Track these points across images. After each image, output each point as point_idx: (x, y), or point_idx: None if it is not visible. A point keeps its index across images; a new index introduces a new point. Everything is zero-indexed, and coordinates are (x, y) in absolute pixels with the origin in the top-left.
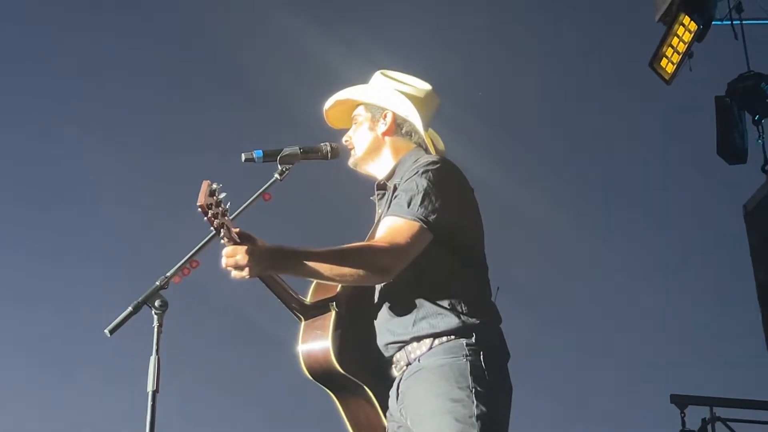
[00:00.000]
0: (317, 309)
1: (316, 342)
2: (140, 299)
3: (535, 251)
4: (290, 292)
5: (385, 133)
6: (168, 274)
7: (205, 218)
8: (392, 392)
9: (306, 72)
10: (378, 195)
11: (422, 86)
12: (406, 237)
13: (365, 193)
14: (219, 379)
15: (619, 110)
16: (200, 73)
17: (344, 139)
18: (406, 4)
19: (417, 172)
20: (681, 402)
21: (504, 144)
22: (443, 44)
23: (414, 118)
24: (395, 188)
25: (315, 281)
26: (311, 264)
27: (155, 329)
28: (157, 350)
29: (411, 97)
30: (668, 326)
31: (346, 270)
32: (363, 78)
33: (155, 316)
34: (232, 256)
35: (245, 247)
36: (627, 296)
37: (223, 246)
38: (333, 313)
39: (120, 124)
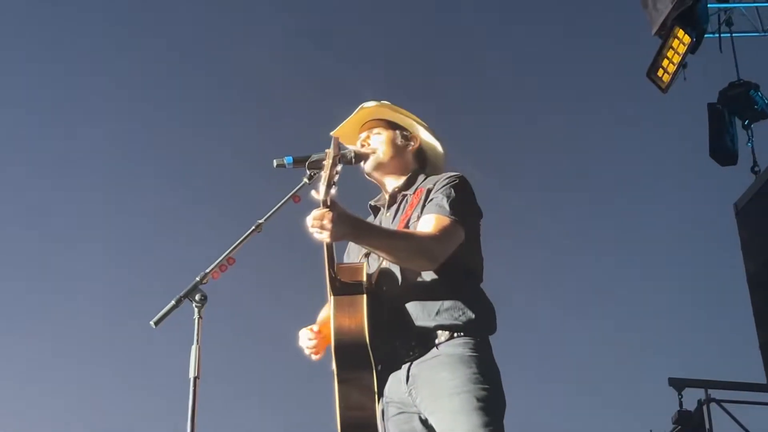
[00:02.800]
0: (350, 288)
1: (352, 316)
2: (182, 293)
3: (537, 239)
4: (335, 265)
5: (410, 152)
6: (207, 270)
7: (327, 170)
8: (398, 376)
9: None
10: (388, 201)
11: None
12: (452, 233)
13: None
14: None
15: (618, 117)
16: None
17: (362, 139)
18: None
19: (451, 181)
20: (678, 384)
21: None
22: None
23: (440, 155)
24: (428, 192)
25: (340, 265)
26: (381, 238)
27: (196, 321)
28: (197, 340)
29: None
30: (666, 315)
31: (405, 251)
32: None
33: (195, 309)
34: (320, 219)
35: (332, 213)
36: (629, 287)
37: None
38: (365, 296)
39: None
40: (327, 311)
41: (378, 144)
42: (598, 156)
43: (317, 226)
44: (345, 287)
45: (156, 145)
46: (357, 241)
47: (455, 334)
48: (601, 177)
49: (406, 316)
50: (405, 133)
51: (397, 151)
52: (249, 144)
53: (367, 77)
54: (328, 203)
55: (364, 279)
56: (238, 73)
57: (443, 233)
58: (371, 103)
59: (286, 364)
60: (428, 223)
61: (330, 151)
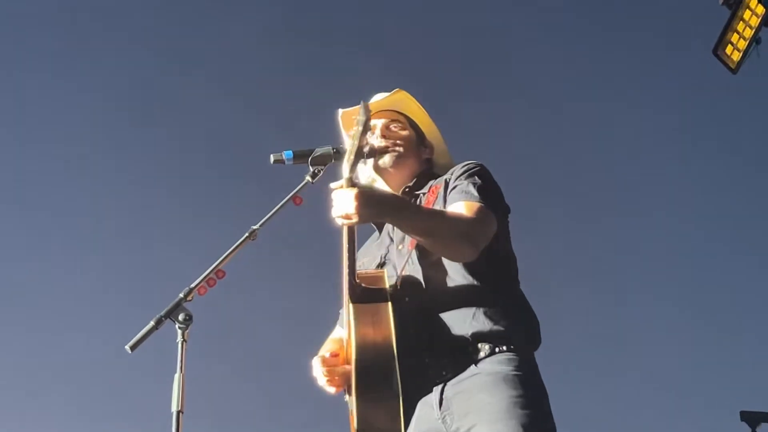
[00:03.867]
0: (373, 295)
1: (376, 326)
2: (162, 313)
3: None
4: (355, 265)
5: (424, 156)
6: (192, 285)
7: (356, 139)
8: (428, 401)
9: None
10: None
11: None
12: (487, 219)
13: None
14: (246, 395)
15: (678, 101)
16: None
17: (383, 130)
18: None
19: (472, 168)
20: (752, 419)
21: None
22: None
23: (450, 164)
24: (447, 183)
25: (358, 273)
26: (419, 217)
27: (179, 345)
28: (181, 367)
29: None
30: (739, 343)
31: (447, 232)
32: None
33: (179, 331)
34: (344, 200)
35: (355, 190)
36: (696, 311)
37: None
38: (390, 305)
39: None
40: (339, 335)
41: (401, 139)
42: (656, 149)
43: (342, 208)
44: (366, 294)
45: (125, 137)
46: (390, 220)
47: (497, 348)
48: (661, 175)
49: (437, 328)
50: (425, 140)
51: (415, 153)
52: (240, 137)
53: (370, 65)
54: (353, 181)
55: (387, 286)
56: (225, 58)
57: (479, 216)
58: (396, 92)
59: (287, 397)
60: (458, 210)
61: (361, 118)
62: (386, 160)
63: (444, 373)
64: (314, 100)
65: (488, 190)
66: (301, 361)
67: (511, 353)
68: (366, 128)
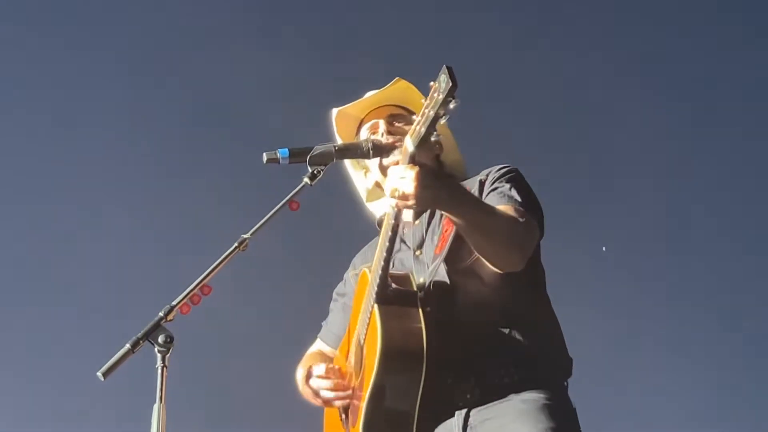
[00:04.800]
0: (403, 299)
1: (405, 323)
2: (140, 334)
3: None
4: (390, 262)
5: (433, 152)
6: (174, 302)
7: (434, 107)
8: (448, 426)
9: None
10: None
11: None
12: (535, 232)
13: None
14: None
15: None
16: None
17: (387, 125)
18: None
19: (510, 172)
20: None
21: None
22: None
23: (459, 156)
24: (482, 184)
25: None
26: (479, 210)
27: (159, 371)
28: (161, 397)
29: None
30: None
31: (504, 233)
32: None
33: (158, 355)
34: (401, 178)
35: (417, 169)
36: None
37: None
38: (421, 311)
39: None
40: (319, 350)
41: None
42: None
43: (400, 188)
44: (396, 296)
45: (105, 140)
46: (450, 209)
47: (531, 374)
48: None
49: (464, 345)
50: (436, 137)
51: (424, 150)
52: (230, 136)
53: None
54: (415, 159)
55: (416, 290)
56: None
57: (529, 224)
58: (396, 82)
59: (280, 429)
60: (512, 212)
61: (443, 84)
62: (391, 160)
63: (469, 396)
64: (314, 95)
65: (531, 199)
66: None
67: (545, 381)
68: (450, 94)
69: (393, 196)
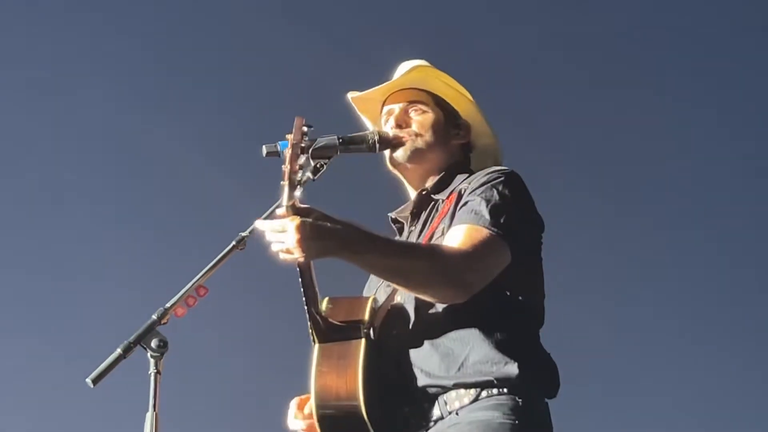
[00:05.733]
0: (343, 332)
1: (342, 373)
2: (132, 338)
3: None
4: (317, 299)
5: (457, 144)
6: (168, 305)
7: (287, 162)
8: None
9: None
10: (413, 209)
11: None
12: (491, 251)
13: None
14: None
15: None
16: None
17: (396, 116)
18: None
19: (494, 179)
20: None
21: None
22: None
23: (497, 150)
24: (460, 194)
25: (337, 300)
26: (382, 253)
27: (152, 377)
28: (154, 405)
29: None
30: None
31: (420, 273)
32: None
33: (151, 360)
34: (280, 231)
35: (298, 221)
36: None
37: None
38: (363, 342)
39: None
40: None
41: (419, 126)
42: None
43: (278, 241)
44: (334, 331)
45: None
46: (347, 258)
47: (482, 393)
48: None
49: (419, 372)
50: (458, 120)
51: (442, 140)
52: (226, 124)
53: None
54: (295, 208)
55: (366, 317)
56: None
57: (478, 250)
58: (415, 63)
59: None
60: (456, 236)
61: (291, 136)
62: (400, 154)
63: (424, 423)
64: (320, 82)
65: (507, 211)
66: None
67: (505, 396)
68: (296, 150)
69: (275, 251)
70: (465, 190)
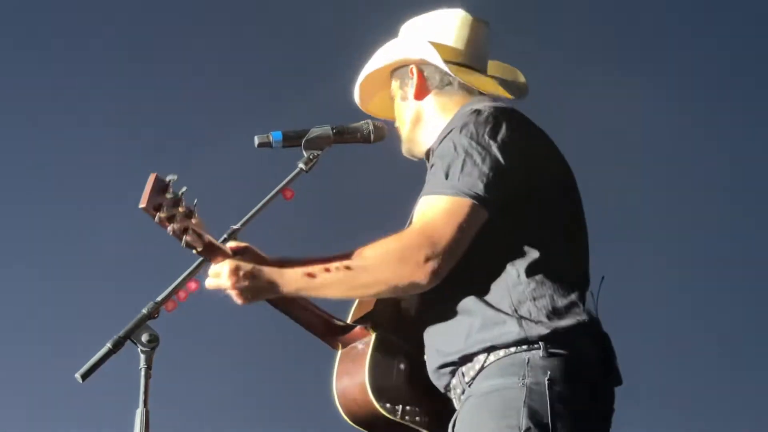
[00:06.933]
0: (353, 332)
1: (352, 377)
2: (121, 333)
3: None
4: (318, 312)
5: (417, 95)
6: (158, 298)
7: (156, 221)
8: None
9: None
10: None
11: (452, 18)
12: (451, 221)
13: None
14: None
15: None
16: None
17: (396, 125)
18: None
19: (454, 129)
20: None
21: None
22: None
23: (428, 55)
24: (430, 153)
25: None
26: (318, 280)
27: (142, 373)
28: (144, 401)
29: (438, 44)
30: None
31: (370, 280)
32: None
33: (142, 356)
34: (216, 276)
35: (230, 264)
36: None
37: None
38: (372, 337)
39: None
40: None
41: (397, 119)
42: None
43: (213, 286)
44: (347, 331)
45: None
46: (288, 294)
47: (489, 358)
48: None
49: (431, 350)
50: (405, 78)
51: (412, 113)
52: (216, 112)
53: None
54: (226, 252)
55: (373, 308)
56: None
57: (435, 228)
58: (362, 73)
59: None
60: (416, 213)
61: (144, 194)
62: (403, 149)
63: (457, 395)
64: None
65: (470, 159)
66: (294, 395)
67: (506, 358)
68: (150, 207)
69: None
70: (434, 149)
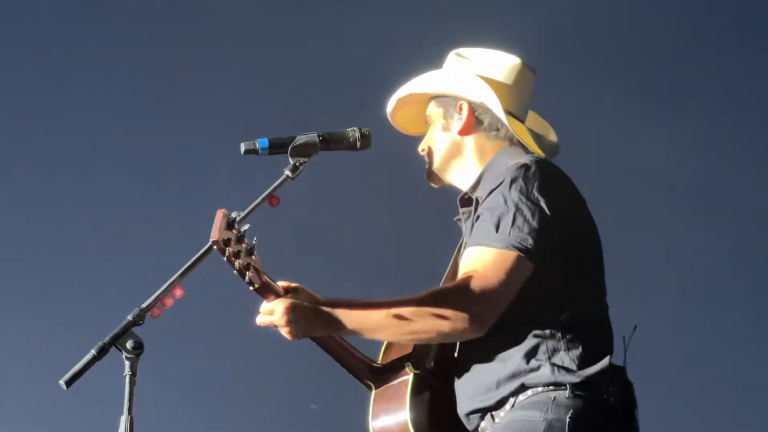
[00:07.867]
0: (390, 372)
1: (391, 416)
2: (106, 339)
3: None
4: (355, 354)
5: (463, 131)
6: (144, 304)
7: (224, 258)
8: None
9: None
10: (464, 214)
11: (506, 61)
12: (500, 273)
13: (412, 199)
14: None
15: None
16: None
17: (420, 148)
18: None
19: (503, 182)
20: None
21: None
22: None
23: (491, 102)
24: (477, 204)
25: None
26: (373, 323)
27: (127, 379)
28: (129, 408)
29: (490, 80)
30: None
31: (424, 327)
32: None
33: (127, 362)
34: (269, 314)
35: (285, 303)
36: None
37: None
38: (411, 376)
39: None
40: None
41: (431, 145)
42: None
43: (266, 324)
44: (386, 371)
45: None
46: (338, 333)
47: (519, 398)
48: None
49: (464, 395)
50: (450, 110)
51: (450, 145)
52: (203, 119)
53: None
54: (275, 288)
55: (412, 350)
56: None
57: (486, 279)
58: (404, 89)
59: None
60: (466, 263)
61: (215, 228)
62: (426, 176)
63: None
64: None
65: (521, 214)
66: (284, 404)
67: (534, 397)
68: (220, 244)
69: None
70: (481, 198)
